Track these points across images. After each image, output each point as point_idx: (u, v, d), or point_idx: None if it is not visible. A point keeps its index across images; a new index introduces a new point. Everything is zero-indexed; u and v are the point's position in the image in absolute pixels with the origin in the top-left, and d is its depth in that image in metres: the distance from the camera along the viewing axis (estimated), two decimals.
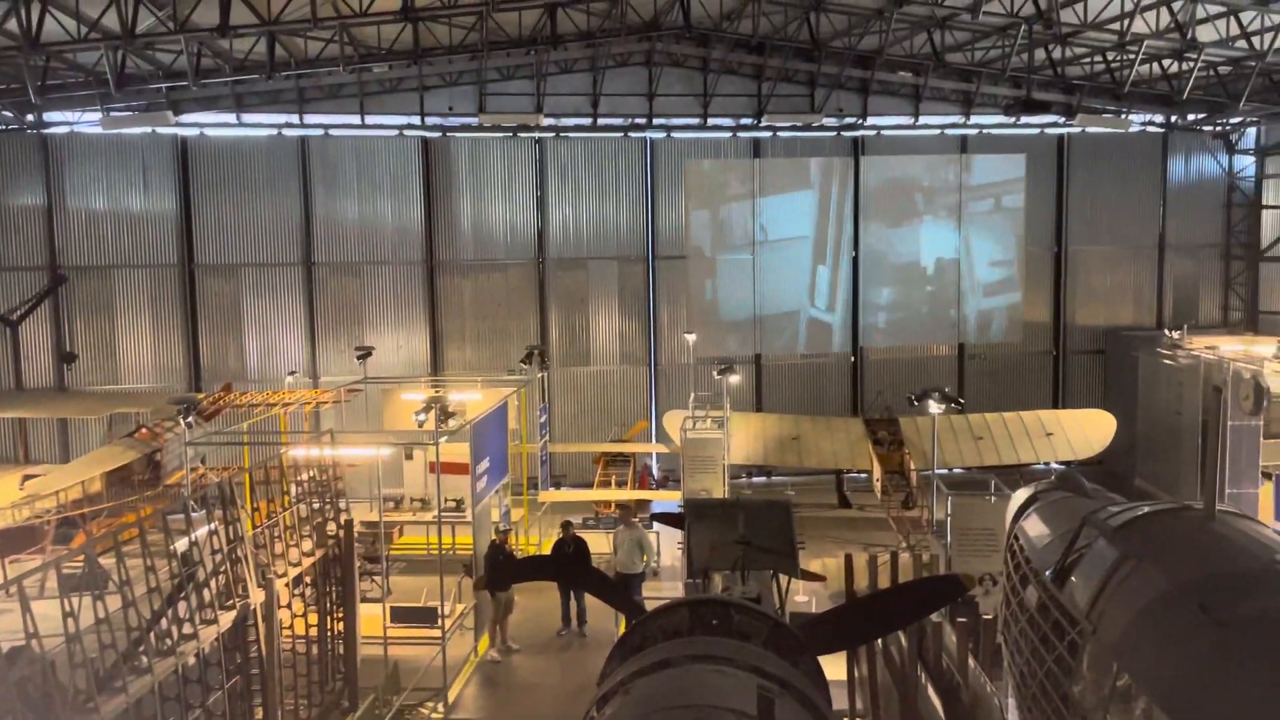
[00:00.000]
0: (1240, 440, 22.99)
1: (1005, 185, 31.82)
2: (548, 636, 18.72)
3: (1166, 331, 29.16)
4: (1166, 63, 26.62)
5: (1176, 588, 4.76)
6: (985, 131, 31.17)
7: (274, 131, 28.67)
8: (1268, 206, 32.12)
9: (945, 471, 24.11)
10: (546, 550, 20.91)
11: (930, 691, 10.20)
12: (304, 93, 28.05)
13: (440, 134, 29.47)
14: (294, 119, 28.43)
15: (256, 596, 11.90)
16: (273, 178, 29.20)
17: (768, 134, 30.48)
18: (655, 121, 29.78)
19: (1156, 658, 4.62)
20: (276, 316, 29.63)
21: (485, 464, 18.35)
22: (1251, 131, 32.28)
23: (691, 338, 29.21)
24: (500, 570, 15.88)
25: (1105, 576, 5.25)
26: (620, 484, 26.31)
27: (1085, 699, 5.06)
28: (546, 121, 28.28)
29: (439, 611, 16.88)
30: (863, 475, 26.81)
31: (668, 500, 23.83)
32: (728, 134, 30.52)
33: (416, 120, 28.89)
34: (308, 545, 14.29)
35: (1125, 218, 32.20)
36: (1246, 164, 32.52)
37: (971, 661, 10.58)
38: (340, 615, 14.92)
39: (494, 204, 30.15)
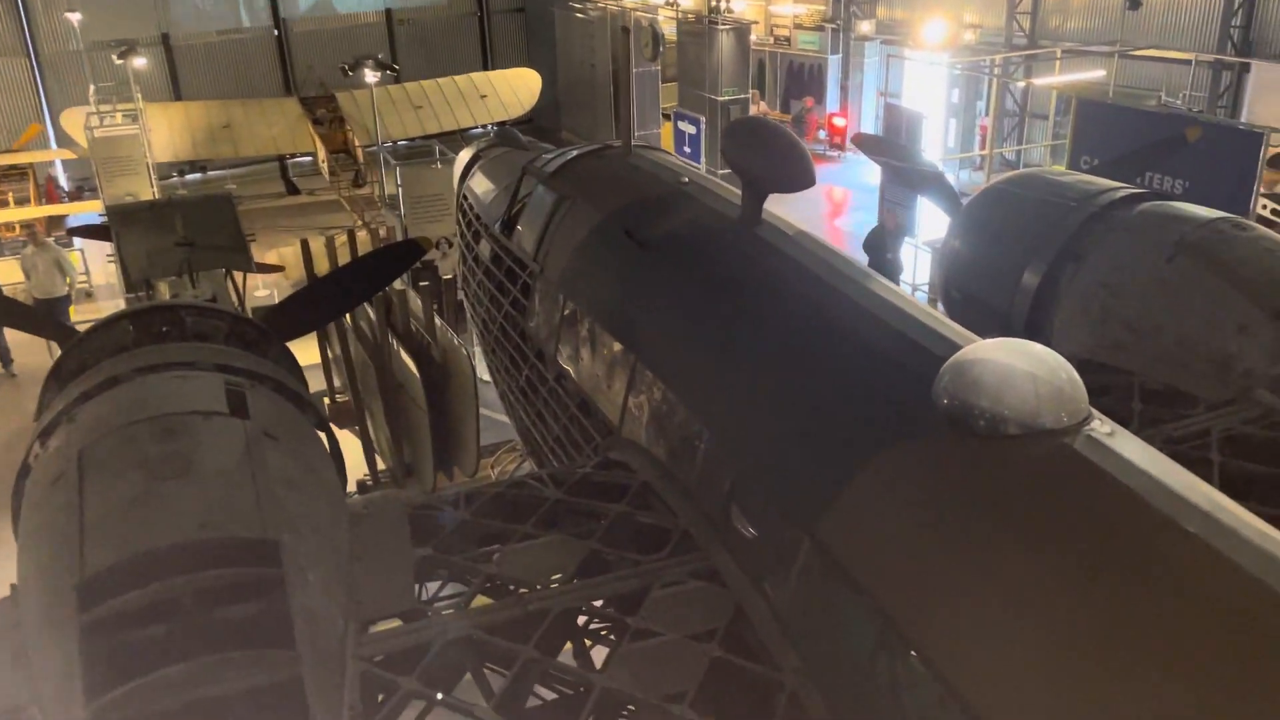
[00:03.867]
0: (643, 85, 25.59)
1: None
2: None
3: None
4: None
5: (605, 218, 5.28)
6: None
7: None
8: None
9: (391, 145, 23.92)
10: None
11: (403, 355, 10.70)
12: None
13: None
14: None
15: None
16: None
17: None
18: None
19: (594, 283, 5.17)
20: None
21: None
22: None
23: (75, 17, 24.53)
24: None
25: (547, 219, 5.65)
26: (21, 201, 22.48)
27: (540, 332, 5.57)
28: None
29: None
30: (307, 158, 25.70)
31: (86, 211, 20.96)
32: None
33: None
34: None
35: None
36: None
37: (438, 321, 11.19)
38: None
39: None
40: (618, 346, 4.74)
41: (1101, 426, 3.03)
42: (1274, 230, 4.95)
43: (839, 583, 3.10)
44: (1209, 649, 2.38)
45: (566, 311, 5.26)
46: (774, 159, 4.53)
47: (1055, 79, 20.99)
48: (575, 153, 6.20)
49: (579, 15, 29.07)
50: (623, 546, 3.83)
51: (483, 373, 8.23)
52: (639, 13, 26.44)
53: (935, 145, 24.04)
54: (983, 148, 22.80)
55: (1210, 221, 4.83)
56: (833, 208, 25.19)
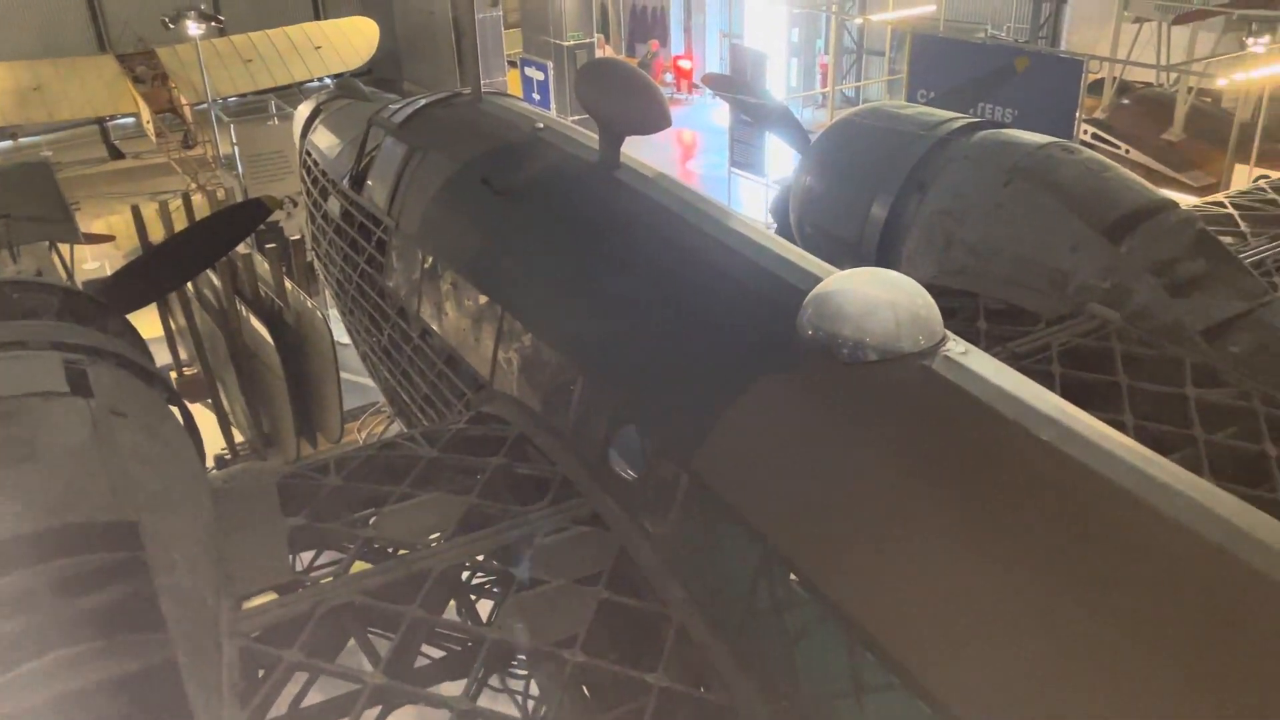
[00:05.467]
0: (485, 32, 24.97)
1: None
2: None
3: None
4: None
5: (460, 168, 5.16)
6: None
7: None
8: None
9: (221, 101, 22.65)
10: None
11: (254, 322, 10.26)
12: None
13: None
14: None
15: None
16: None
17: None
18: None
19: (453, 235, 5.06)
20: None
21: None
22: None
23: None
24: None
25: (399, 171, 5.47)
26: None
27: (399, 288, 5.42)
28: None
29: None
30: (130, 120, 24.09)
31: None
32: None
33: None
34: None
35: None
36: None
37: (288, 284, 10.76)
38: None
39: None
40: (483, 298, 4.66)
41: (956, 347, 3.17)
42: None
43: (717, 514, 3.17)
44: (1061, 542, 2.56)
45: (426, 266, 5.13)
46: (629, 101, 4.51)
47: (889, 15, 21.57)
48: (423, 102, 6.01)
49: None
50: (503, 499, 3.81)
51: (340, 335, 7.99)
52: None
53: (779, 84, 24.44)
54: (824, 85, 23.33)
55: (1042, 147, 5.08)
56: (684, 150, 25.37)
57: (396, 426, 7.08)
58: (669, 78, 29.63)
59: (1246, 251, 5.06)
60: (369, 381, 7.05)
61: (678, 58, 29.77)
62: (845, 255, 5.59)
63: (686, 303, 3.84)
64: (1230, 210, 5.59)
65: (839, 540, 2.83)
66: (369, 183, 5.87)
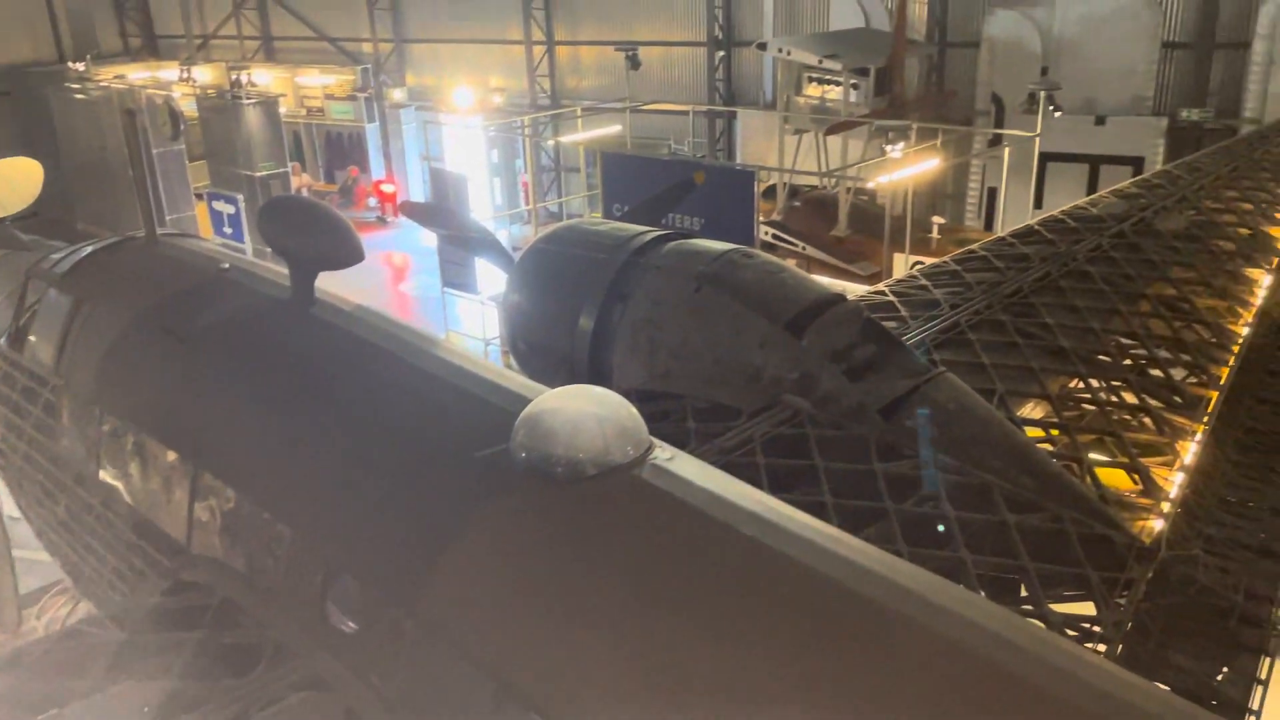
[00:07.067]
0: (168, 166, 23.76)
1: None
2: None
3: (70, 64, 27.73)
4: None
5: (136, 316, 4.79)
6: None
7: None
8: None
9: None
10: None
11: None
12: None
13: None
14: None
15: None
16: None
17: None
18: None
19: (133, 390, 4.66)
20: None
21: None
22: None
23: None
24: None
25: (65, 325, 5.00)
26: None
27: (75, 453, 4.91)
28: None
29: None
30: None
31: None
32: None
33: None
34: None
35: None
36: None
37: None
38: None
39: None
40: (173, 455, 4.30)
41: (663, 454, 3.28)
42: (776, 253, 5.74)
43: (448, 656, 3.04)
44: (773, 636, 2.67)
45: (105, 426, 4.68)
46: (317, 236, 4.40)
47: (580, 135, 22.72)
48: (90, 249, 5.56)
49: (79, 96, 26.30)
50: (210, 676, 3.46)
51: (10, 509, 7.06)
52: (151, 90, 24.52)
53: (484, 203, 24.93)
54: (527, 202, 24.06)
55: (723, 254, 5.46)
56: (395, 274, 25.12)
57: (84, 607, 6.31)
58: (373, 202, 29.43)
59: (908, 333, 5.66)
60: (49, 558, 6.26)
61: (379, 182, 29.67)
62: (560, 368, 5.70)
63: (395, 438, 3.73)
64: (891, 298, 6.25)
65: (569, 668, 2.79)
66: (31, 339, 5.32)
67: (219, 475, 4.06)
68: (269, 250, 4.60)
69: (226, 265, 5.11)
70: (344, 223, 4.48)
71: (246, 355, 4.42)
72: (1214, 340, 6.07)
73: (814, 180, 20.80)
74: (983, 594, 3.90)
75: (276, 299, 4.60)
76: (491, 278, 16.82)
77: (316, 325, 4.36)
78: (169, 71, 28.99)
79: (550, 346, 5.96)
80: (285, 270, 4.61)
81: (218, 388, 4.34)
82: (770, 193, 20.81)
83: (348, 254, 4.38)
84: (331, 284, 4.62)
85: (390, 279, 24.61)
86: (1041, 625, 3.36)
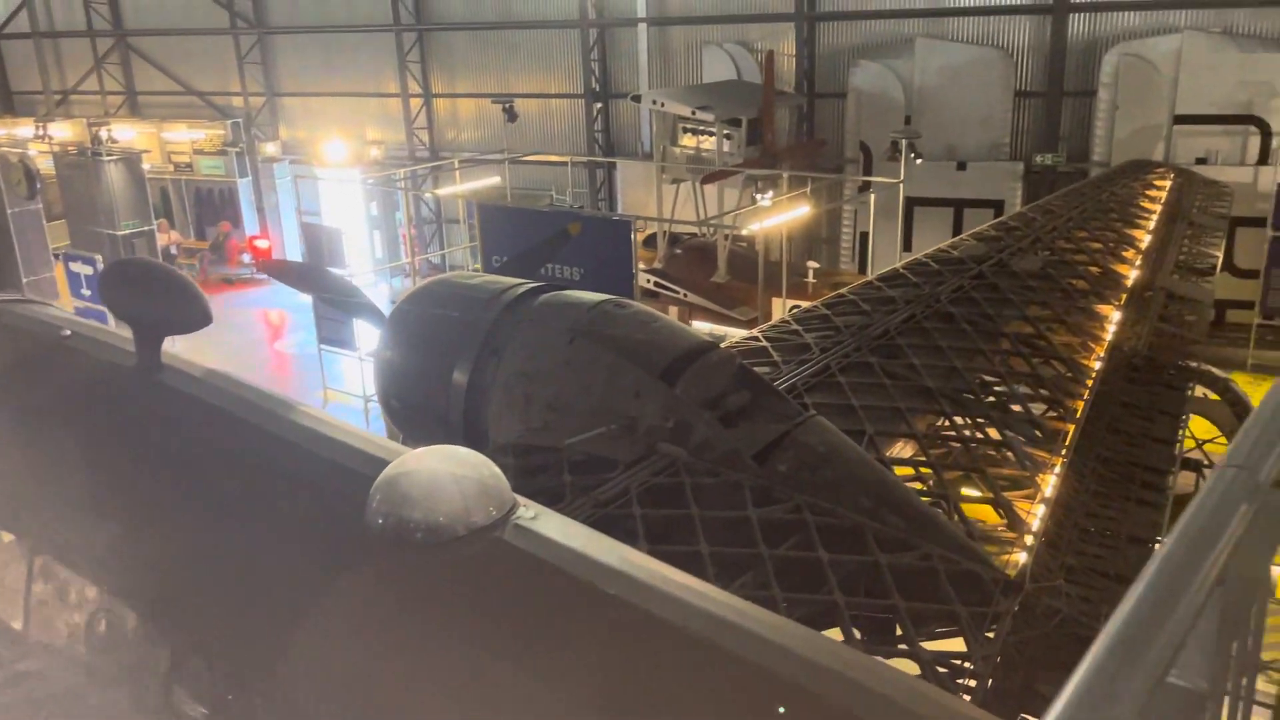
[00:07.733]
0: (24, 225, 22.60)
1: None
2: None
3: None
4: None
5: None
6: None
7: None
8: None
9: None
10: None
11: None
12: None
13: None
14: None
15: None
16: None
17: None
18: None
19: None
20: None
21: None
22: None
23: None
24: None
25: None
26: None
27: None
28: None
29: None
30: None
31: None
32: None
33: None
34: None
35: None
36: None
37: None
38: None
39: None
40: (8, 537, 4.00)
41: (526, 513, 3.19)
42: (658, 300, 5.74)
43: None
44: (633, 696, 2.61)
45: None
46: (161, 300, 4.18)
47: (459, 187, 22.59)
48: None
49: None
50: None
51: None
52: (4, 149, 23.39)
53: (364, 256, 24.49)
54: (409, 255, 23.73)
55: (597, 304, 5.44)
56: (272, 331, 24.39)
57: None
58: (246, 258, 28.58)
59: (780, 378, 5.72)
60: None
61: (253, 238, 28.87)
62: (433, 425, 5.56)
63: (246, 508, 3.54)
64: (764, 343, 6.32)
65: None
66: None
67: (58, 557, 3.79)
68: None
69: (68, 332, 4.82)
70: (190, 285, 4.27)
71: (86, 427, 4.15)
72: (1069, 375, 6.33)
73: (693, 229, 21.14)
74: (859, 636, 3.92)
75: (121, 366, 4.35)
76: (370, 334, 16.46)
77: (163, 392, 4.13)
78: (25, 129, 27.76)
79: (424, 404, 5.81)
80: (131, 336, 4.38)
81: (52, 465, 4.06)
82: (651, 241, 21.04)
83: (195, 317, 4.18)
84: (206, 345, 4.41)
85: (267, 336, 23.87)
86: (906, 670, 3.37)
